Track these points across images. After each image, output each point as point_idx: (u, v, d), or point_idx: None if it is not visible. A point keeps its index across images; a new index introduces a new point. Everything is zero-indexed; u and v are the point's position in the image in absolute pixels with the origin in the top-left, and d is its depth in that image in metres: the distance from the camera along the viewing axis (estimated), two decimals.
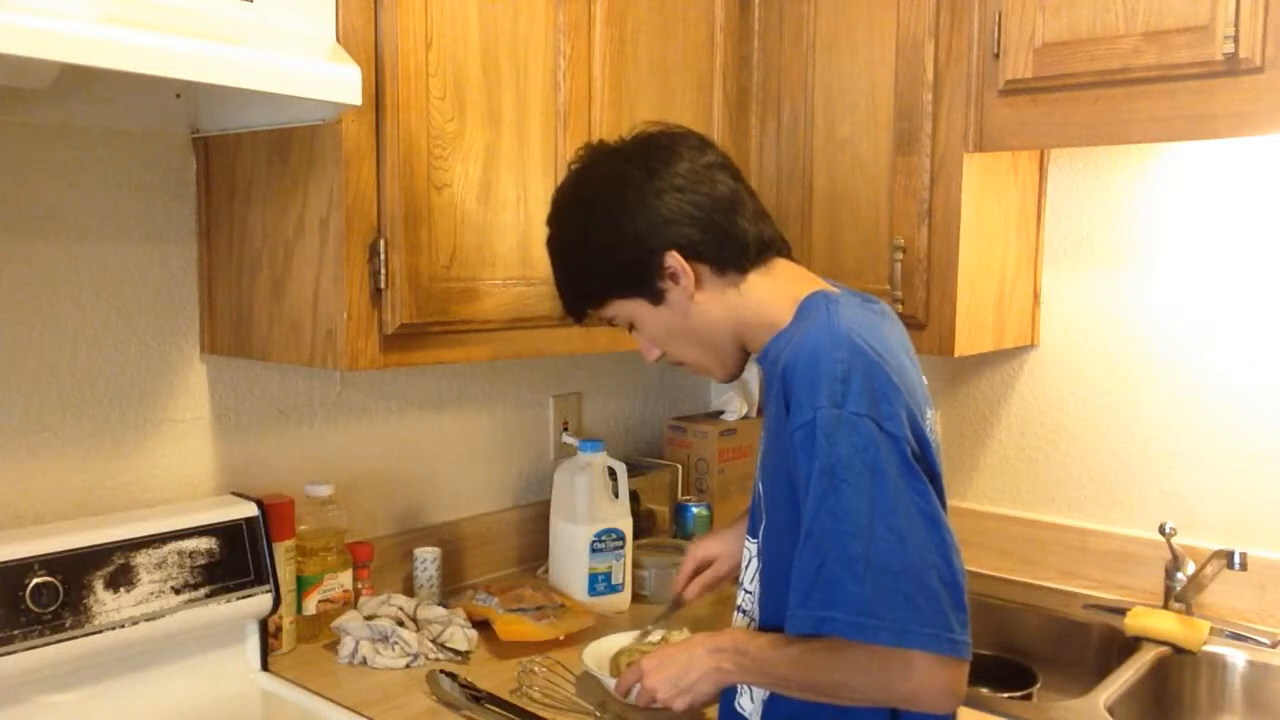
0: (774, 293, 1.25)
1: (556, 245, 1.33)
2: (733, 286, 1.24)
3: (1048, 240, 2.07)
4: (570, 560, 1.87)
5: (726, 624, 1.60)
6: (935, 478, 1.13)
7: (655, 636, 1.57)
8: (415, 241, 1.44)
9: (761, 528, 1.21)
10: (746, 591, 1.28)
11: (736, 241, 1.23)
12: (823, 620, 1.07)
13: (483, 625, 1.68)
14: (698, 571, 1.55)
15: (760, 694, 1.24)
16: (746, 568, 1.28)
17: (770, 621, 1.20)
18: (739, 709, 1.27)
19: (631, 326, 1.31)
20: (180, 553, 1.44)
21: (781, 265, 1.28)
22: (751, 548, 1.26)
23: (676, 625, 1.62)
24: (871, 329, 1.17)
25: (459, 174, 1.50)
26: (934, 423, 1.24)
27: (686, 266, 1.22)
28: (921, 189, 1.80)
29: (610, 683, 1.46)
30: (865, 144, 1.86)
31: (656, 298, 1.25)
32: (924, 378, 1.27)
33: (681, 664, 1.23)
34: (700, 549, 1.56)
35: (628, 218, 1.22)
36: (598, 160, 1.30)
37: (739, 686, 1.26)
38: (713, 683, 1.22)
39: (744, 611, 1.28)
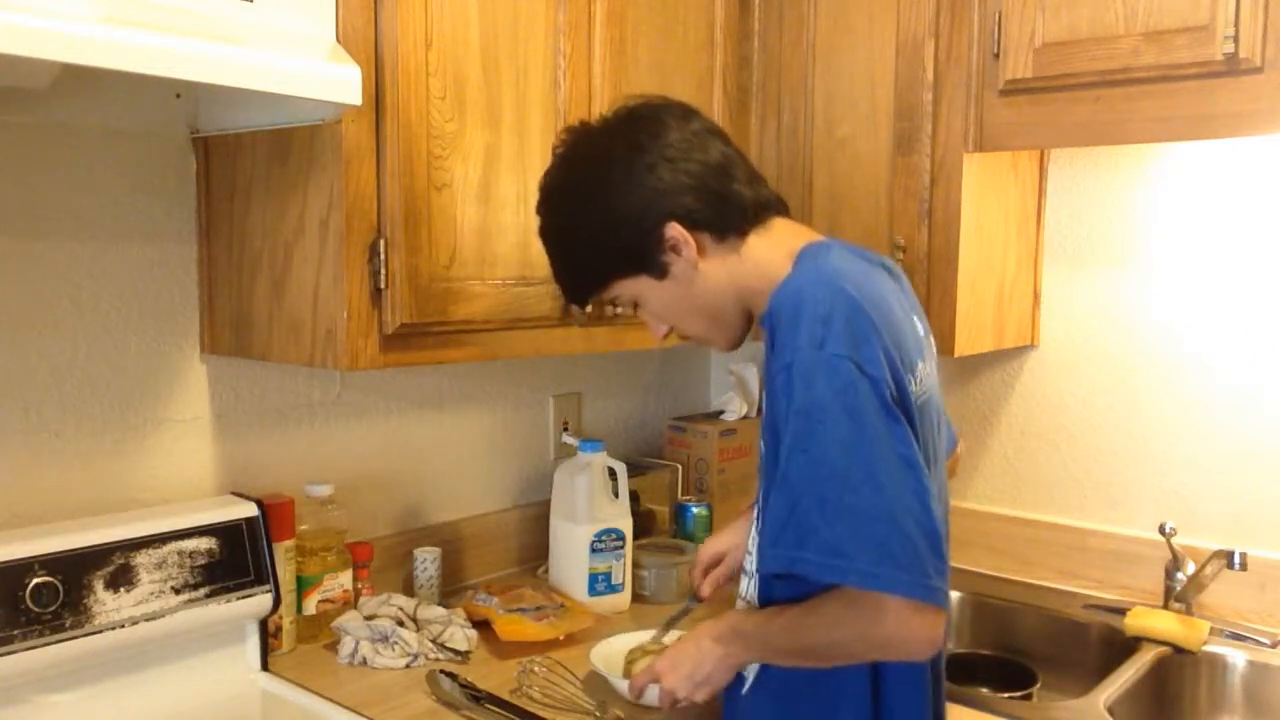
0: (772, 251, 1.24)
1: (550, 233, 1.31)
2: (734, 252, 1.24)
3: (1048, 240, 2.07)
4: (570, 560, 1.86)
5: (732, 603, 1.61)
6: (913, 426, 1.13)
7: (671, 637, 1.57)
8: (415, 241, 1.44)
9: (760, 485, 1.21)
10: (748, 553, 1.28)
11: (734, 206, 1.23)
12: (794, 560, 1.07)
13: (483, 625, 1.68)
14: (709, 569, 1.55)
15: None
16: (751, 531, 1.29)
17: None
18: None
19: (635, 305, 1.31)
20: (180, 553, 1.44)
21: (779, 224, 1.28)
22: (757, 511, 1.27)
23: (692, 625, 1.61)
24: (858, 274, 1.17)
25: (459, 174, 1.50)
26: (926, 375, 1.23)
27: (688, 236, 1.21)
28: (921, 189, 1.80)
29: (620, 684, 1.46)
30: (865, 144, 1.86)
31: (660, 272, 1.24)
32: (932, 339, 1.27)
33: (693, 659, 1.24)
34: (708, 547, 1.57)
35: (619, 195, 1.21)
36: (581, 141, 1.28)
37: None
38: (727, 668, 1.24)
39: (746, 573, 1.29)
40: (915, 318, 1.28)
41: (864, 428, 1.06)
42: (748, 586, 1.29)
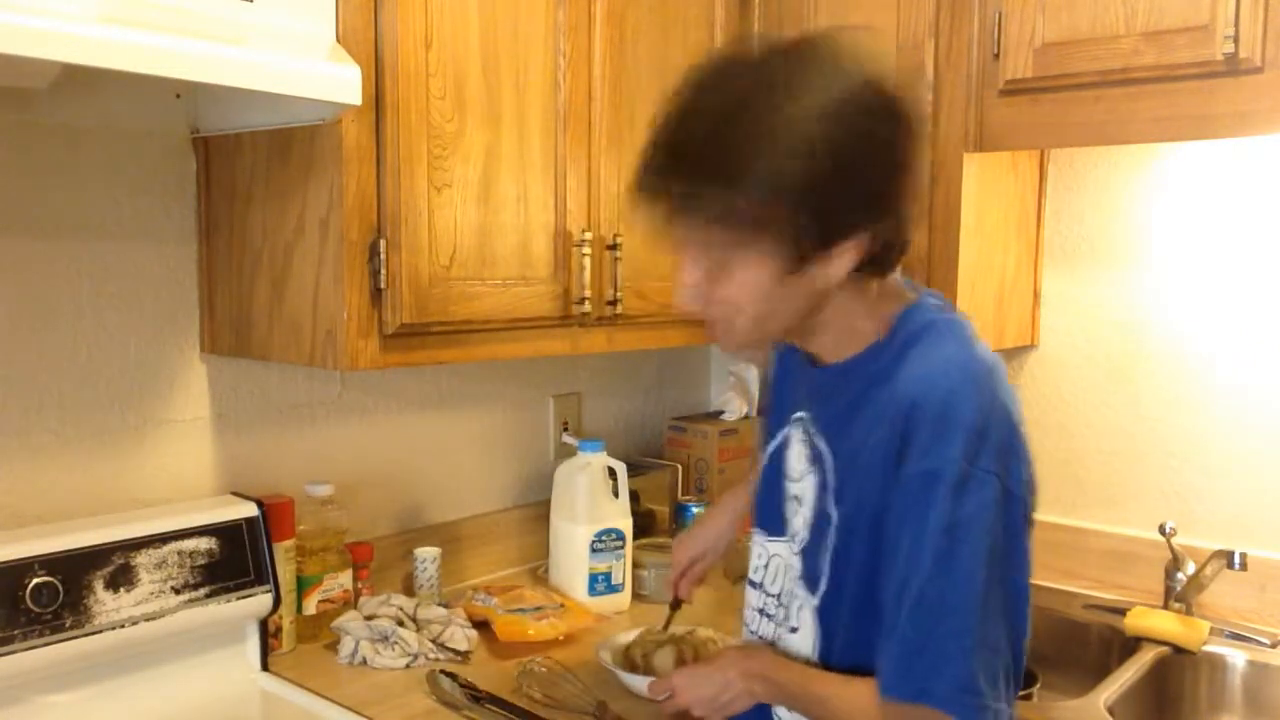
0: (859, 301, 1.12)
1: (724, 116, 0.97)
2: (851, 287, 1.08)
3: (1048, 240, 2.07)
4: (570, 560, 1.86)
5: (724, 622, 1.61)
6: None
7: (702, 632, 1.59)
8: (415, 241, 1.44)
9: (828, 556, 1.16)
10: (769, 595, 1.25)
11: (899, 247, 1.09)
12: (922, 693, 1.03)
13: (483, 625, 1.68)
14: (686, 571, 1.56)
15: None
16: (765, 567, 1.25)
17: (831, 641, 1.18)
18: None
19: (694, 264, 1.06)
20: (180, 553, 1.44)
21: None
22: (773, 547, 1.24)
23: (684, 624, 1.62)
24: (999, 367, 1.11)
25: (459, 174, 1.50)
26: None
27: (855, 258, 1.04)
28: (921, 189, 1.80)
29: (628, 678, 1.48)
30: None
31: (793, 267, 1.02)
32: None
33: (717, 685, 1.22)
34: (686, 551, 1.56)
35: (864, 177, 0.99)
36: (860, 87, 0.99)
37: None
38: (748, 702, 1.22)
39: (769, 615, 1.25)
40: None
41: (999, 553, 1.03)
42: (763, 625, 1.26)
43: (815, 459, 1.17)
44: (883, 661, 1.07)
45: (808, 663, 1.20)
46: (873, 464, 1.10)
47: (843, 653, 1.16)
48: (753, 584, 1.29)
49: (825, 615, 1.18)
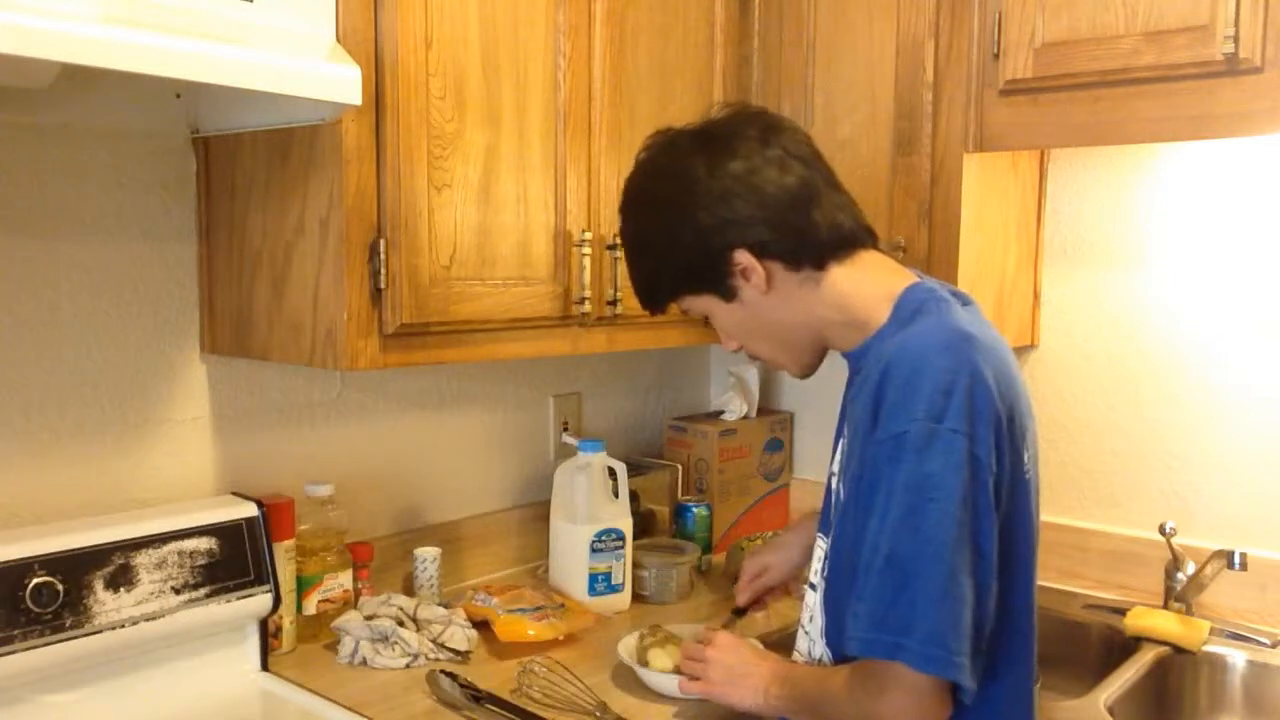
0: (859, 288, 1.21)
1: (626, 239, 1.31)
2: (810, 282, 1.21)
3: (1048, 240, 2.07)
4: (570, 560, 1.86)
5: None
6: (1015, 503, 1.11)
7: (689, 629, 1.59)
8: (415, 241, 1.44)
9: (832, 538, 1.20)
10: (810, 586, 1.28)
11: (809, 237, 1.19)
12: (898, 648, 1.04)
13: (483, 625, 1.68)
14: (753, 580, 1.57)
15: None
16: (817, 569, 1.27)
17: (831, 628, 1.20)
18: None
19: (706, 320, 1.31)
20: (180, 553, 1.44)
21: (868, 258, 1.23)
22: (820, 545, 1.26)
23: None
24: (984, 337, 1.13)
25: (459, 174, 1.50)
26: (1033, 437, 1.20)
27: (756, 264, 1.19)
28: (921, 189, 1.80)
29: (643, 672, 1.48)
30: (865, 144, 1.86)
31: (728, 294, 1.22)
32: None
33: (744, 666, 1.26)
34: (754, 563, 1.58)
35: (691, 218, 1.19)
36: (659, 153, 1.26)
37: None
38: (756, 696, 1.25)
39: (807, 606, 1.29)
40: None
41: (967, 511, 1.04)
42: (809, 646, 1.28)
43: (839, 447, 1.22)
44: (853, 623, 1.08)
45: (818, 660, 1.21)
46: (857, 436, 1.13)
47: (841, 638, 1.16)
48: (810, 586, 1.30)
49: (827, 600, 1.19)
